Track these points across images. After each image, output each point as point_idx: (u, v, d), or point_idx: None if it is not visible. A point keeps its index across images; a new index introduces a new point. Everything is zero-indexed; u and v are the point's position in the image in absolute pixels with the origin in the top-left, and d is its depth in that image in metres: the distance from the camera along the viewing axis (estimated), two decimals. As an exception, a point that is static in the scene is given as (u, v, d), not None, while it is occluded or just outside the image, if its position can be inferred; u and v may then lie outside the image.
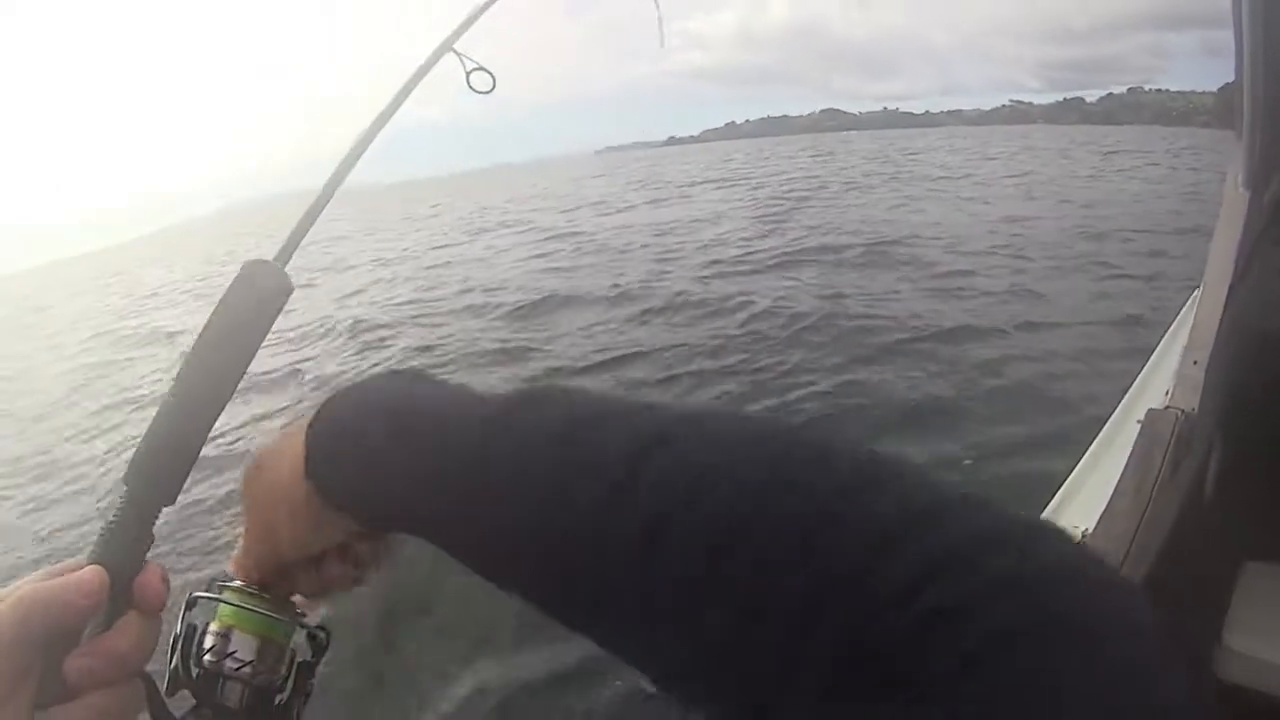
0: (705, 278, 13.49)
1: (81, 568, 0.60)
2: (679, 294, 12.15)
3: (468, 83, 0.97)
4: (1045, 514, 1.77)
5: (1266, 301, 2.70)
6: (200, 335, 0.69)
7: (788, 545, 0.39)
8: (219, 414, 0.69)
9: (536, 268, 16.98)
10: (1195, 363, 1.81)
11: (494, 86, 0.97)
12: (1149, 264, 12.06)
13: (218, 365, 0.69)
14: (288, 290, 0.73)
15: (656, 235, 19.49)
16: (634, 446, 0.47)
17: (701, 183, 40.10)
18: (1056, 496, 1.82)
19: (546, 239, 22.03)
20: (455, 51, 0.96)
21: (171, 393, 0.67)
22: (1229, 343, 2.38)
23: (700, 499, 0.43)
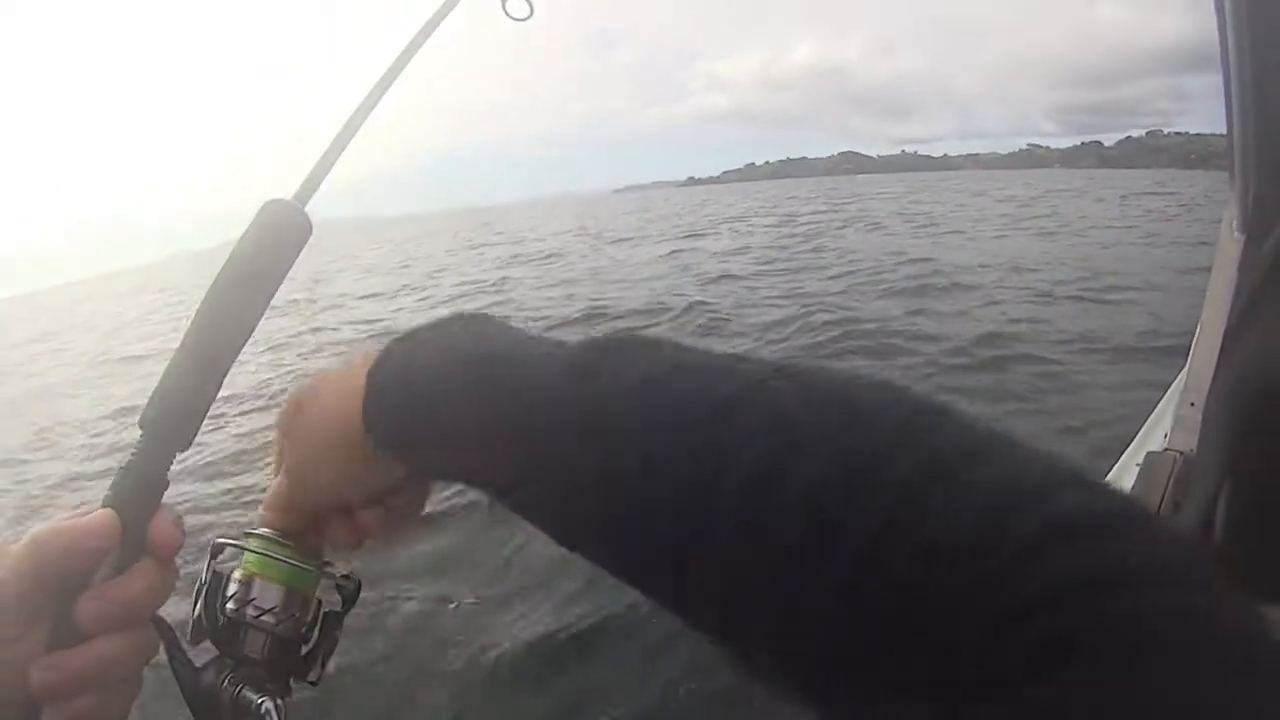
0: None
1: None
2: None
3: (504, 9, 0.91)
4: None
5: (1274, 351, 2.71)
6: (217, 277, 0.67)
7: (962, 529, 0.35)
8: (235, 358, 0.68)
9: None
10: (1192, 404, 1.82)
11: (531, 13, 0.91)
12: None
13: (234, 308, 0.67)
14: (307, 231, 0.71)
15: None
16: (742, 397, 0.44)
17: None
18: None
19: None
20: None
21: (187, 336, 0.65)
22: (1233, 390, 2.39)
23: (820, 461, 0.39)
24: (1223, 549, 2.24)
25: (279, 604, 0.68)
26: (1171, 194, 40.11)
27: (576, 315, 14.93)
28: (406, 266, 34.22)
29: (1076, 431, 7.11)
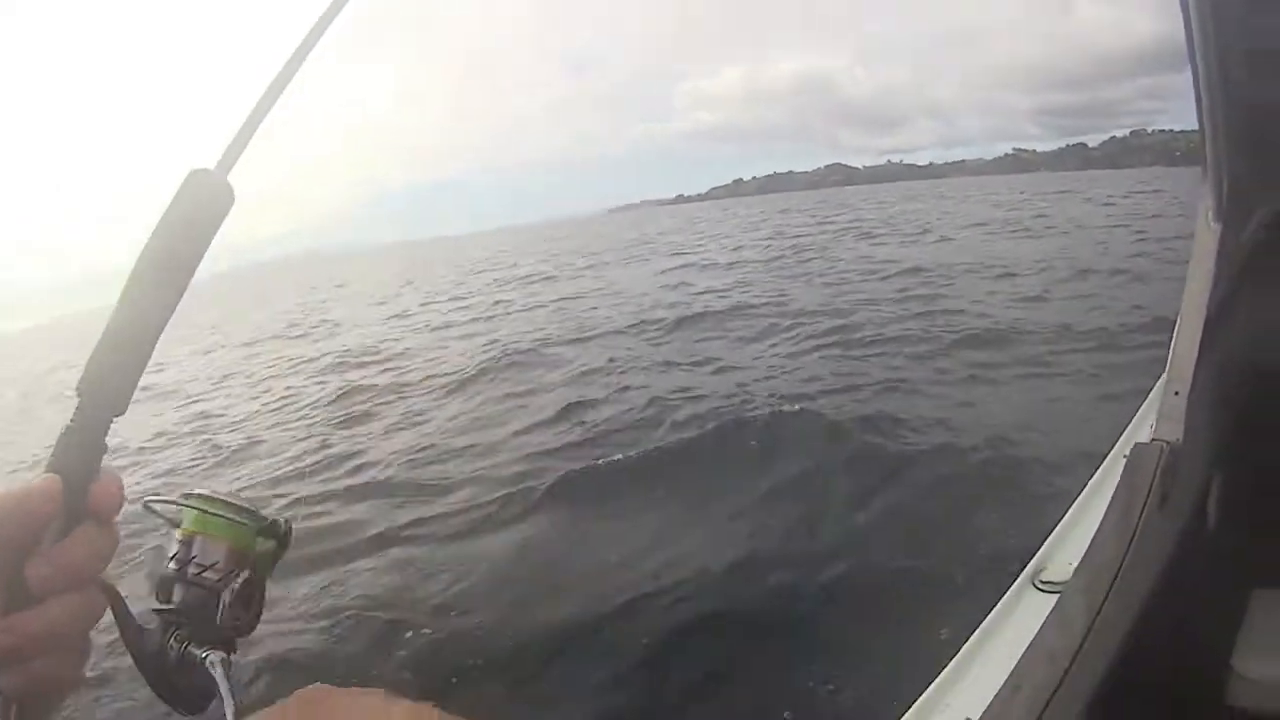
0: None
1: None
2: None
3: None
4: (1041, 552, 1.79)
5: (1258, 337, 2.74)
6: (145, 247, 0.69)
7: None
8: (165, 325, 0.69)
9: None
10: (1176, 393, 1.84)
11: None
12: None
13: (162, 276, 0.68)
14: (230, 199, 0.72)
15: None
16: None
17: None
18: (1052, 534, 1.85)
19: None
20: None
21: (119, 305, 0.67)
22: (1220, 376, 2.42)
23: None
24: (1217, 538, 2.27)
25: (221, 560, 0.70)
26: (1156, 191, 40.35)
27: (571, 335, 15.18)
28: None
29: (1073, 426, 7.17)
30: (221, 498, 0.72)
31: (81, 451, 0.64)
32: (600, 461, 7.69)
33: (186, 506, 0.71)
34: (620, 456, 7.73)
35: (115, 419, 0.66)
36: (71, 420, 0.65)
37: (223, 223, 0.72)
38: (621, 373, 11.45)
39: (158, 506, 0.73)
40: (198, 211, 0.70)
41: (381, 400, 12.26)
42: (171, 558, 0.70)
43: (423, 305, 26.54)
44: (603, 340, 14.31)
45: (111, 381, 0.66)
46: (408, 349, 16.95)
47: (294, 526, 0.77)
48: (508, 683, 4.62)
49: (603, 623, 5.07)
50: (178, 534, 0.71)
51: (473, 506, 7.12)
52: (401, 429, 10.43)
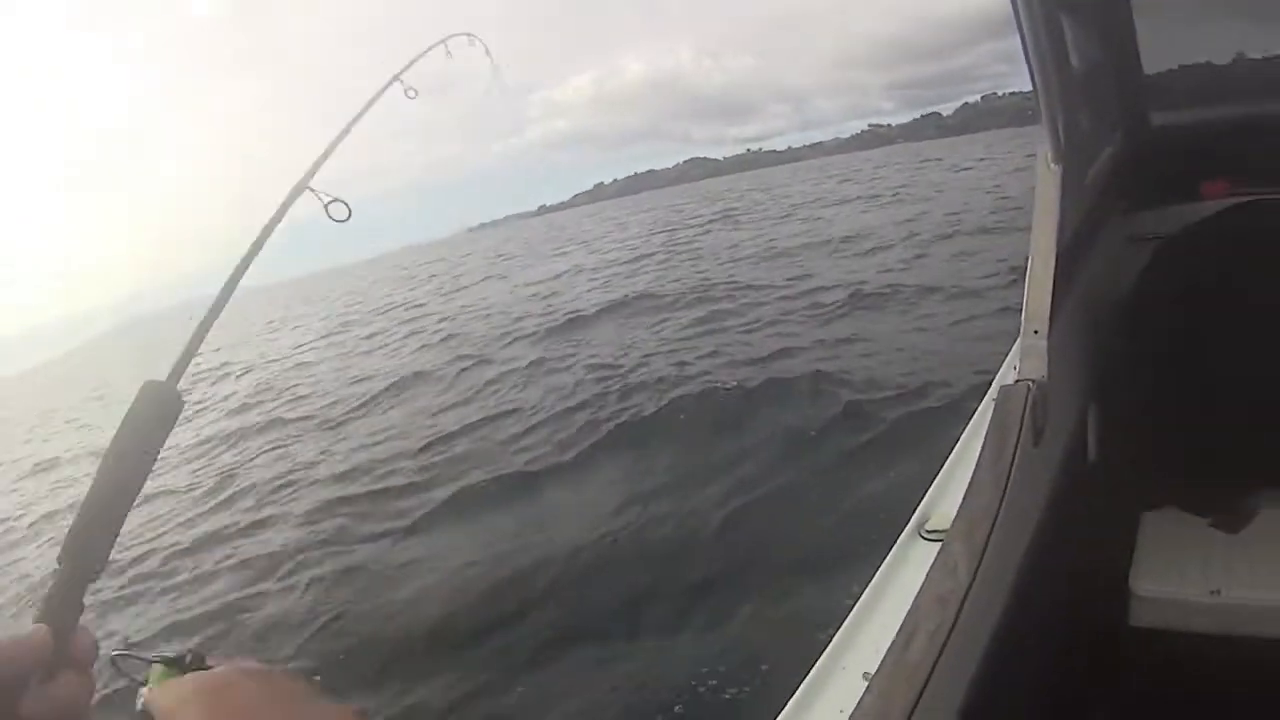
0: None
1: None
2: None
3: (326, 213, 1.10)
4: (925, 503, 1.83)
5: (1116, 270, 2.86)
6: (108, 446, 0.81)
7: None
8: (130, 506, 0.81)
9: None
10: (1036, 332, 1.89)
11: (349, 216, 1.10)
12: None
13: (124, 470, 0.81)
14: (179, 406, 0.86)
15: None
16: None
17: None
18: (934, 484, 1.88)
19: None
20: (311, 189, 1.10)
21: (91, 491, 0.79)
22: (1083, 313, 2.51)
23: None
24: (1098, 468, 2.36)
25: None
26: (1007, 154, 42.12)
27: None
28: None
29: (948, 376, 7.43)
30: (188, 656, 0.78)
31: (65, 608, 0.73)
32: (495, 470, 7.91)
33: (156, 662, 0.77)
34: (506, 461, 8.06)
35: (91, 584, 0.77)
36: (54, 582, 0.75)
37: (174, 425, 0.87)
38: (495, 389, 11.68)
39: (122, 664, 0.79)
40: (151, 419, 0.84)
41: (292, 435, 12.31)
42: (140, 713, 0.74)
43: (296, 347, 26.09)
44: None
45: (89, 552, 0.77)
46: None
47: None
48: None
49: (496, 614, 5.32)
50: (144, 691, 0.75)
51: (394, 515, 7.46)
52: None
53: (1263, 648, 2.12)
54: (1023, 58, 2.14)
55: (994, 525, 1.46)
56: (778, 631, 4.35)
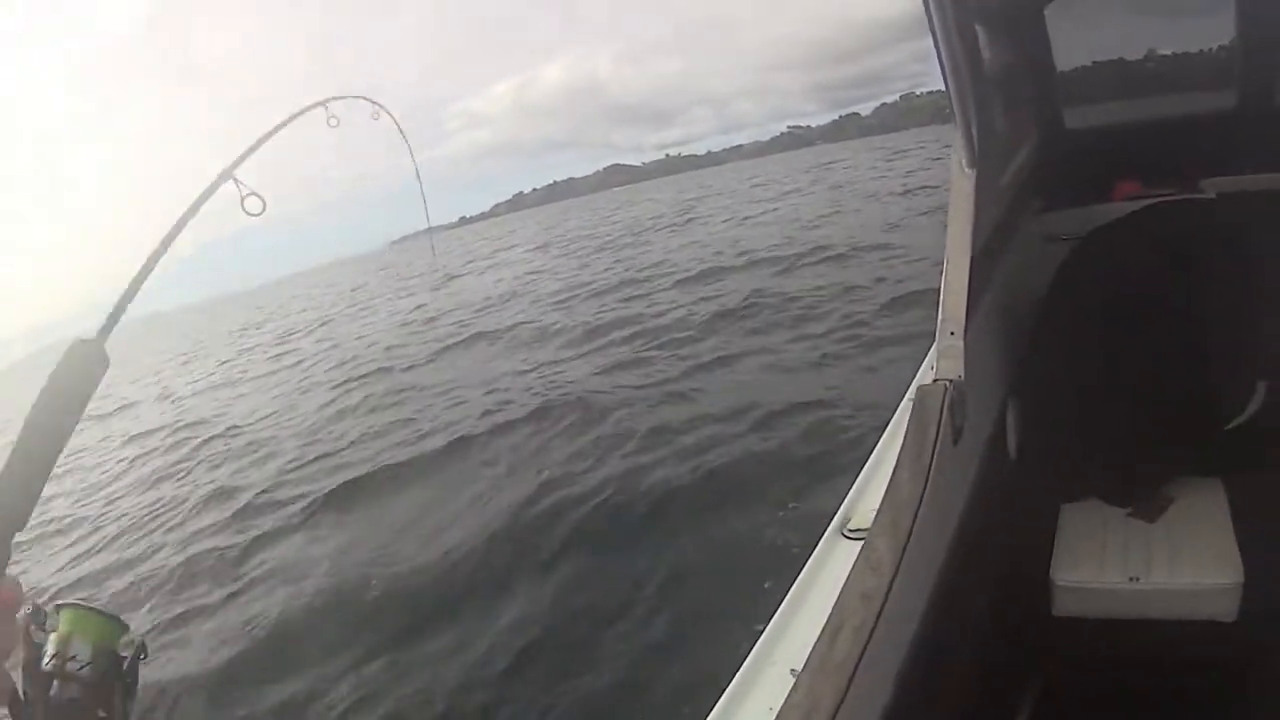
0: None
1: None
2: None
3: (242, 206, 1.13)
4: (847, 502, 1.86)
5: (1031, 270, 2.93)
6: (36, 401, 0.84)
7: None
8: (56, 459, 0.84)
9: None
10: (952, 333, 1.93)
11: (264, 209, 1.12)
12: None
13: (50, 426, 0.84)
14: (106, 364, 0.89)
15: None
16: None
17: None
18: (855, 484, 1.92)
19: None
20: (235, 179, 1.12)
21: (16, 444, 0.82)
22: (999, 313, 2.57)
23: None
24: (1018, 463, 2.41)
25: (90, 657, 0.81)
26: (921, 147, 42.89)
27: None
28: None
29: (869, 380, 7.53)
30: (93, 607, 0.84)
31: None
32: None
33: (65, 611, 0.83)
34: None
35: (16, 534, 0.80)
36: None
37: (100, 384, 0.90)
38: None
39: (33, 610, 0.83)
40: (79, 373, 0.87)
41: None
42: (52, 657, 0.80)
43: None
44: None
45: (12, 505, 0.80)
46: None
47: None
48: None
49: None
50: (53, 636, 0.81)
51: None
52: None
53: (1181, 630, 2.19)
54: (937, 65, 2.18)
55: (915, 522, 1.48)
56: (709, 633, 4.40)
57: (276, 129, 1.29)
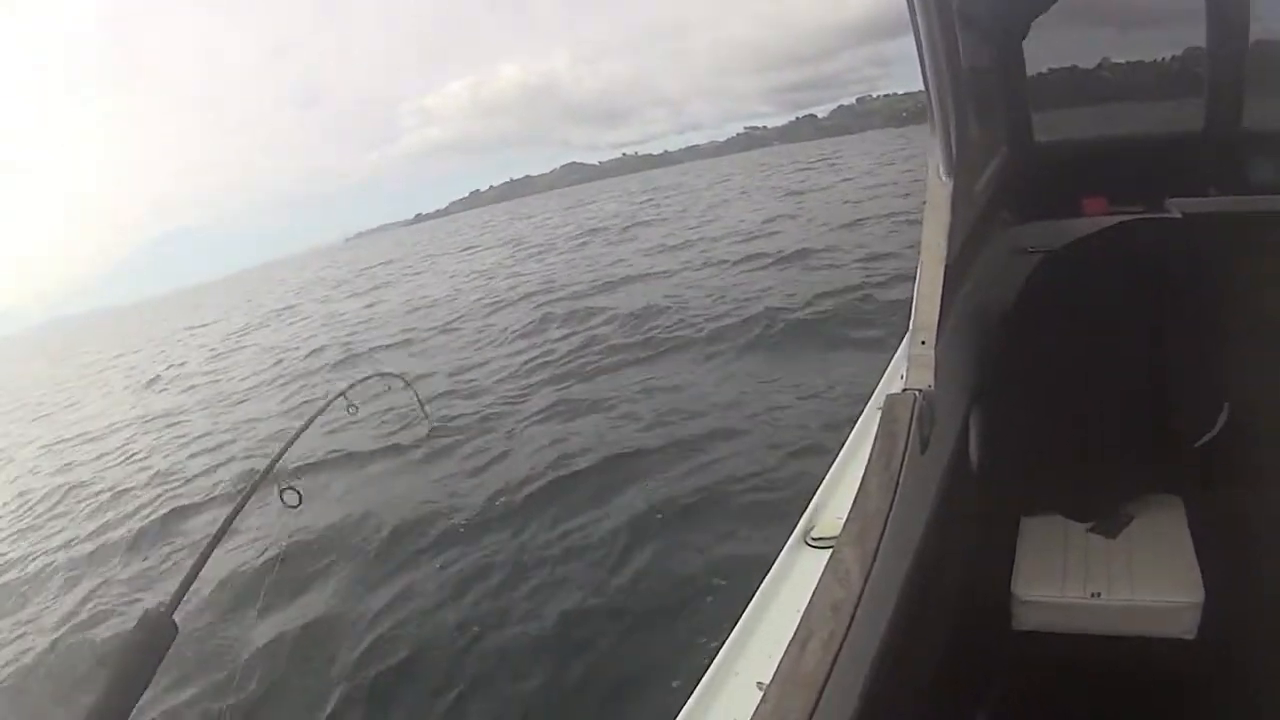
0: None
1: None
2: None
3: (280, 500, 1.28)
4: (810, 510, 1.83)
5: (999, 282, 2.93)
6: (105, 682, 0.83)
7: None
8: None
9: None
10: (923, 342, 1.91)
11: (300, 503, 1.29)
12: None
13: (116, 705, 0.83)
14: (173, 634, 0.91)
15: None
16: None
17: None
18: (818, 492, 1.88)
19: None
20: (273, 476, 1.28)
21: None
22: (966, 323, 2.56)
23: None
24: (981, 475, 2.39)
25: None
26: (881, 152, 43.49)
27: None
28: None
29: (827, 385, 7.55)
30: None
31: None
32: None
33: None
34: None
35: None
36: None
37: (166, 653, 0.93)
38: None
39: None
40: (147, 645, 0.88)
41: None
42: None
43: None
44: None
45: None
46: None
47: None
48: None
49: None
50: None
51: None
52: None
53: (1144, 647, 2.20)
54: (915, 63, 2.16)
55: (883, 533, 1.46)
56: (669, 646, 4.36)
57: (305, 426, 1.43)
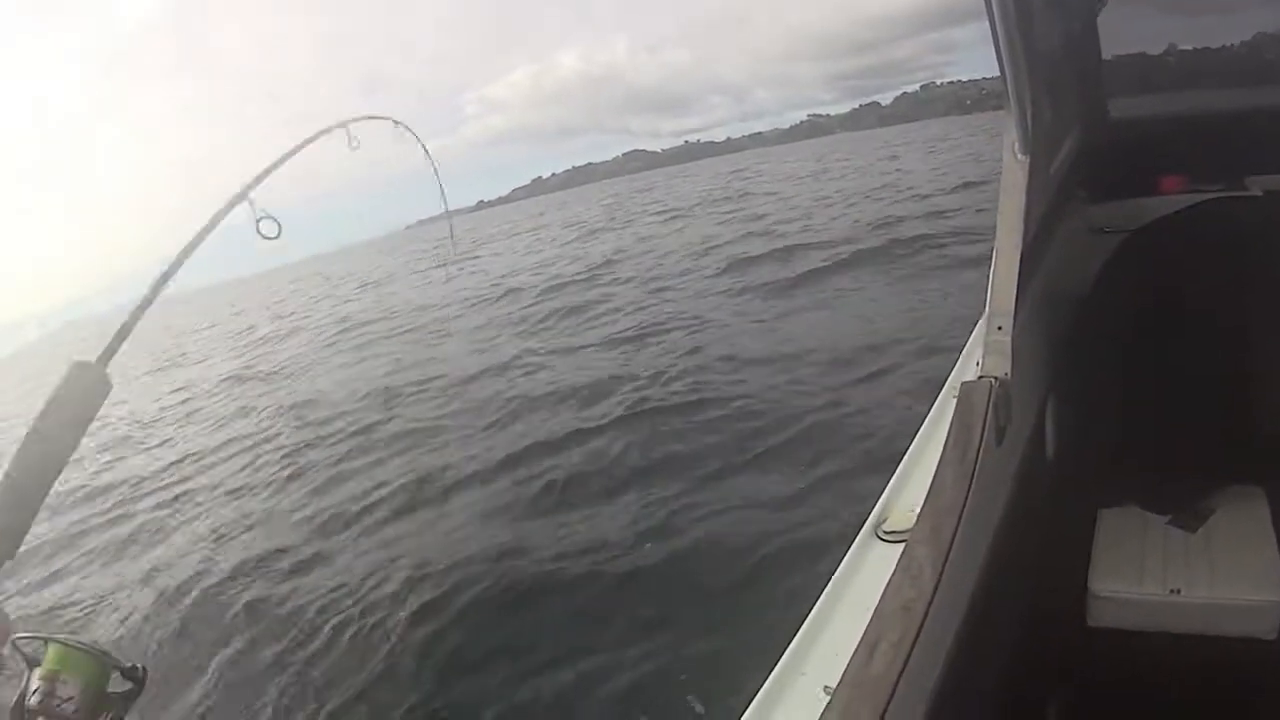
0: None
1: None
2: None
3: (257, 229, 1.13)
4: (882, 502, 1.77)
5: (1076, 264, 2.83)
6: (32, 424, 0.81)
7: None
8: (47, 492, 0.81)
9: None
10: (1000, 328, 1.84)
11: (280, 233, 1.14)
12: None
13: (46, 453, 0.81)
14: (108, 388, 0.87)
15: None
16: None
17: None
18: (890, 483, 1.82)
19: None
20: (250, 201, 1.13)
21: (8, 473, 0.79)
22: (1041, 307, 2.48)
23: None
24: (1058, 466, 2.32)
25: (78, 695, 0.80)
26: (951, 138, 42.79)
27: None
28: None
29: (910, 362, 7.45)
30: (79, 641, 0.81)
31: None
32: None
33: (52, 642, 0.81)
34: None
35: (6, 562, 0.79)
36: None
37: (101, 406, 0.88)
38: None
39: (20, 644, 0.82)
40: (79, 397, 0.84)
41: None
42: (33, 693, 0.78)
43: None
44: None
45: (5, 533, 0.78)
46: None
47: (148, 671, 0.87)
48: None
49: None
50: (39, 671, 0.79)
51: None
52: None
53: (1223, 648, 2.12)
54: (984, 47, 2.08)
55: (957, 529, 1.41)
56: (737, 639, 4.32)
57: (294, 151, 1.29)
